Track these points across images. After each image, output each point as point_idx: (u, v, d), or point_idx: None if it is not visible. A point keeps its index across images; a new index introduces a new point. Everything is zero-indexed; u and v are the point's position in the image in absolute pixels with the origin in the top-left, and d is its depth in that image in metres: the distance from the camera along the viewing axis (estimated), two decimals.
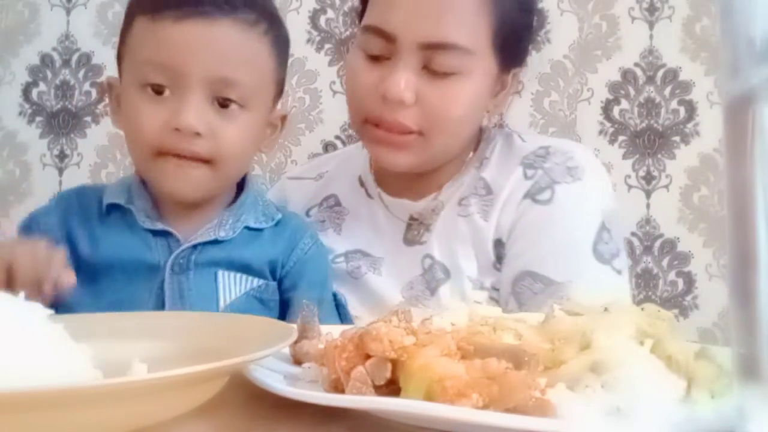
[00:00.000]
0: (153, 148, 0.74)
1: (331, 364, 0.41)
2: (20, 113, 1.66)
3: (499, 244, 0.86)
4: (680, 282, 1.45)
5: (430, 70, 0.80)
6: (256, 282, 0.79)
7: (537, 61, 1.44)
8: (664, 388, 0.39)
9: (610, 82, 1.45)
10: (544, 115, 1.44)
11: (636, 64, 1.45)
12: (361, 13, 0.88)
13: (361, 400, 0.38)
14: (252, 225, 0.81)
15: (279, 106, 0.86)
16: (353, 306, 0.88)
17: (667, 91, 1.45)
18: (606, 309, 0.46)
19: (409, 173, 0.88)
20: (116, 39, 0.80)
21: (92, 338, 0.42)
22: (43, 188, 1.62)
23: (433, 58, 0.79)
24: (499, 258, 0.85)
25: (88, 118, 1.64)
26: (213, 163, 0.75)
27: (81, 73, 1.63)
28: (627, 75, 1.45)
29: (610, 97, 1.45)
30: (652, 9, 1.45)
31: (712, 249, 1.43)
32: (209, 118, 0.73)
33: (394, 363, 0.39)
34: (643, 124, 1.45)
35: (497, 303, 0.84)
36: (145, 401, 0.35)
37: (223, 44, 0.73)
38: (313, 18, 1.48)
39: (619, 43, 1.45)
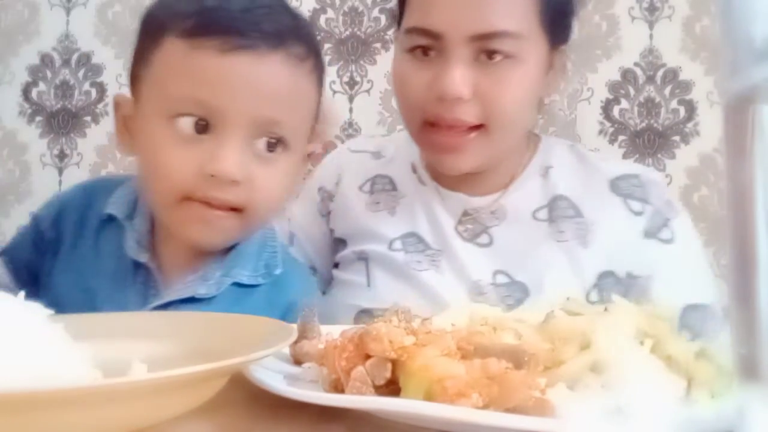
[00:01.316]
0: (179, 193, 0.65)
1: (331, 364, 0.41)
2: (20, 113, 1.66)
3: (608, 275, 0.85)
4: None
5: (482, 61, 0.78)
6: None
7: None
8: (664, 388, 0.39)
9: (610, 81, 1.45)
10: (544, 114, 1.44)
11: (636, 64, 1.45)
12: (399, 15, 0.86)
13: (361, 400, 0.38)
14: (244, 281, 0.71)
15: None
16: (407, 297, 0.85)
17: (667, 90, 1.45)
18: (606, 309, 0.46)
19: None
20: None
21: (92, 338, 0.42)
22: (43, 188, 1.62)
23: (484, 48, 0.77)
24: (600, 289, 0.85)
25: (88, 118, 1.64)
26: (244, 211, 0.66)
27: (81, 73, 1.63)
28: (627, 75, 1.45)
29: (610, 97, 1.46)
30: (652, 9, 1.45)
31: (712, 249, 1.43)
32: (248, 164, 0.65)
33: (394, 363, 0.39)
34: (643, 124, 1.45)
35: None
36: (145, 401, 0.35)
37: (273, 83, 0.65)
38: (313, 17, 1.48)
39: (619, 42, 1.45)
